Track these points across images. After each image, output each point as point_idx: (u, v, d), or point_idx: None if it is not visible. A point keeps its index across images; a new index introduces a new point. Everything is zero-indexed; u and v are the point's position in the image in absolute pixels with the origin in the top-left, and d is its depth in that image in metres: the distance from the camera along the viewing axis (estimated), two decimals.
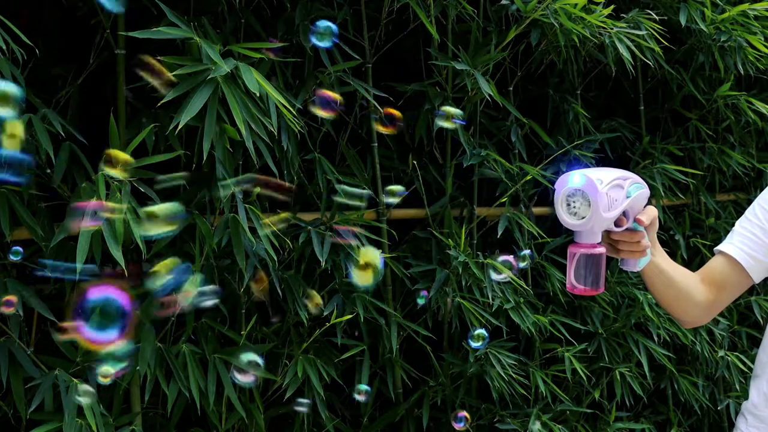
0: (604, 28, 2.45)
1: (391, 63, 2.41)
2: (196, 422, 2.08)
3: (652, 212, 1.44)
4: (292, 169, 2.07)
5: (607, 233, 1.42)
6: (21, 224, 1.73)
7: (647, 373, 2.79)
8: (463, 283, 2.37)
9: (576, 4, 2.33)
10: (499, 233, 2.47)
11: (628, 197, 1.35)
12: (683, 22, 2.71)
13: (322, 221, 2.16)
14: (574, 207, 1.33)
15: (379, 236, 2.27)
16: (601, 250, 1.37)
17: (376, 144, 2.32)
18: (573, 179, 1.32)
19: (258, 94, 1.76)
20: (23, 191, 1.74)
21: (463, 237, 2.34)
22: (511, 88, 2.61)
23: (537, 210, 2.67)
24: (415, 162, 2.36)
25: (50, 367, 1.79)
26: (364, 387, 2.12)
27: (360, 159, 2.30)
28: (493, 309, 2.38)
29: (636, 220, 1.41)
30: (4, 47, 1.56)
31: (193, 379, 1.90)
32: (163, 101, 1.69)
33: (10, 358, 1.75)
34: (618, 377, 2.74)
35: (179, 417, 2.00)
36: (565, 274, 2.65)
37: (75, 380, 1.76)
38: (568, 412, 2.67)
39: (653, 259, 1.51)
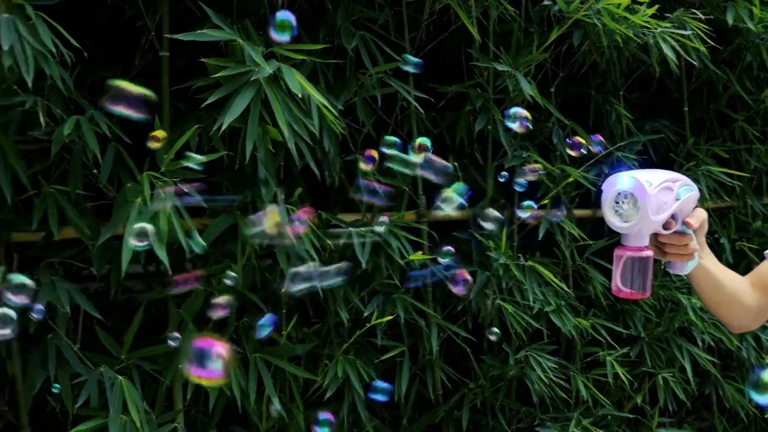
0: (648, 28, 2.42)
1: (432, 64, 2.40)
2: (237, 421, 2.09)
3: (702, 215, 1.40)
4: (333, 170, 2.08)
5: (654, 235, 1.39)
6: (68, 223, 1.77)
7: (691, 379, 2.75)
8: (504, 285, 2.35)
9: (619, 4, 2.30)
10: (540, 235, 2.45)
11: (677, 200, 1.32)
12: (730, 21, 2.66)
13: (362, 222, 2.16)
14: (622, 209, 1.30)
15: (419, 238, 2.26)
16: (649, 253, 1.33)
17: None
18: (621, 181, 1.29)
19: (300, 96, 1.77)
20: (71, 191, 1.77)
21: (504, 239, 2.33)
22: (552, 89, 2.58)
23: (578, 212, 2.64)
24: (455, 163, 2.35)
25: (96, 363, 1.82)
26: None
27: None
28: (534, 311, 2.36)
29: (685, 223, 1.37)
30: (54, 50, 1.59)
31: (234, 379, 1.91)
32: (206, 102, 1.71)
33: (58, 354, 1.78)
34: (661, 382, 2.70)
35: (220, 415, 2.02)
36: (606, 277, 2.63)
37: (120, 377, 1.78)
38: (609, 416, 2.63)
39: (701, 263, 1.47)
